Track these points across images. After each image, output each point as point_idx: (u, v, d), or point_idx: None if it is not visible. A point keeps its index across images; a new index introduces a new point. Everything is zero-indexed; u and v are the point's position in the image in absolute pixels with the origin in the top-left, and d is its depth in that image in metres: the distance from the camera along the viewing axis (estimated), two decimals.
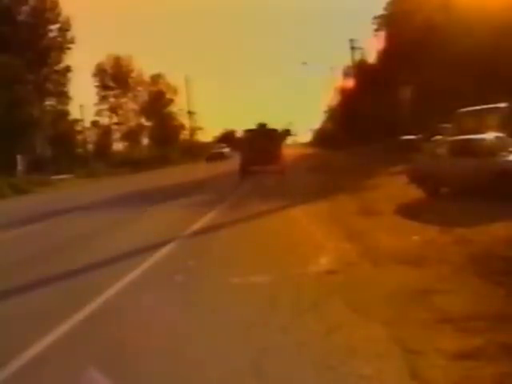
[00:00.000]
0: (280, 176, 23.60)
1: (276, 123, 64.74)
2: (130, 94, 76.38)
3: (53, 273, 7.69)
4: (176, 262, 8.12)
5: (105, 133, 70.22)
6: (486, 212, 9.44)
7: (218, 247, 9.26)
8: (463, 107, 17.99)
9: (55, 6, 49.55)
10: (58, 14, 49.89)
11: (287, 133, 59.70)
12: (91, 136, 65.49)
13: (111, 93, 74.23)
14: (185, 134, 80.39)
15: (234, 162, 33.16)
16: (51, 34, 50.04)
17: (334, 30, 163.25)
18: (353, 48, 44.99)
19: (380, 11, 46.27)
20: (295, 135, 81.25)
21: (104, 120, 72.59)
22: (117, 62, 73.95)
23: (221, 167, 37.33)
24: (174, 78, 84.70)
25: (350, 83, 50.16)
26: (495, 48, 23.14)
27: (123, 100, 75.72)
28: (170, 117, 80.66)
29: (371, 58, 50.78)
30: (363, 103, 41.10)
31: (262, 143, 25.86)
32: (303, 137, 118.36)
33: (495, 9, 23.09)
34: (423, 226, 9.15)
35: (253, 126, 29.12)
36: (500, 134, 13.31)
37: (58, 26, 50.14)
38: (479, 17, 23.52)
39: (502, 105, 16.89)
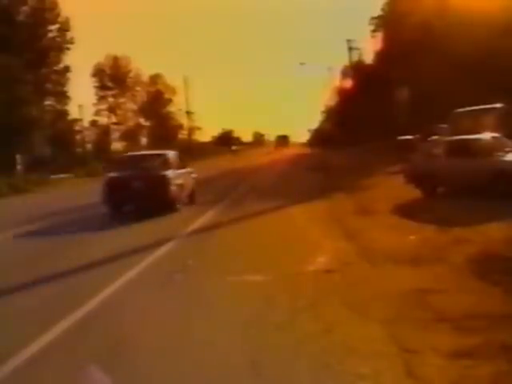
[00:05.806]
0: (280, 175, 25.34)
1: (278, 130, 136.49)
2: (128, 94, 76.41)
3: (51, 271, 7.68)
4: (175, 260, 8.15)
5: (104, 132, 70.14)
6: (483, 212, 9.45)
7: (217, 246, 9.29)
8: (460, 107, 18.01)
9: (54, 6, 49.36)
10: (58, 15, 49.70)
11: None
12: (90, 136, 65.51)
13: (110, 93, 74.20)
14: (183, 134, 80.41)
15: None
16: (50, 35, 49.83)
17: (331, 31, 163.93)
18: (350, 49, 45.09)
19: (378, 12, 46.51)
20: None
21: (103, 120, 72.68)
22: (115, 62, 73.94)
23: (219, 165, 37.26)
24: (172, 78, 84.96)
25: (348, 83, 50.32)
26: (491, 48, 23.16)
27: (122, 100, 75.71)
28: (168, 117, 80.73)
29: (369, 58, 51.00)
30: (361, 103, 41.16)
31: (281, 140, 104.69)
32: (301, 137, 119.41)
33: (491, 10, 23.10)
34: (420, 225, 9.19)
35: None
36: (496, 135, 13.36)
37: (57, 26, 49.95)
38: (476, 18, 23.53)
39: (498, 105, 16.92)
